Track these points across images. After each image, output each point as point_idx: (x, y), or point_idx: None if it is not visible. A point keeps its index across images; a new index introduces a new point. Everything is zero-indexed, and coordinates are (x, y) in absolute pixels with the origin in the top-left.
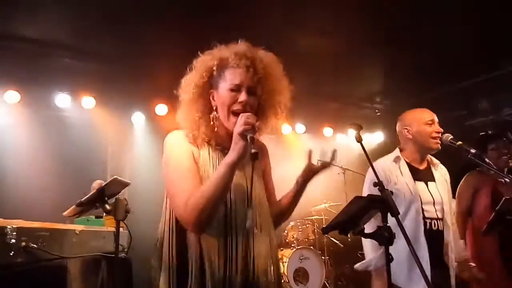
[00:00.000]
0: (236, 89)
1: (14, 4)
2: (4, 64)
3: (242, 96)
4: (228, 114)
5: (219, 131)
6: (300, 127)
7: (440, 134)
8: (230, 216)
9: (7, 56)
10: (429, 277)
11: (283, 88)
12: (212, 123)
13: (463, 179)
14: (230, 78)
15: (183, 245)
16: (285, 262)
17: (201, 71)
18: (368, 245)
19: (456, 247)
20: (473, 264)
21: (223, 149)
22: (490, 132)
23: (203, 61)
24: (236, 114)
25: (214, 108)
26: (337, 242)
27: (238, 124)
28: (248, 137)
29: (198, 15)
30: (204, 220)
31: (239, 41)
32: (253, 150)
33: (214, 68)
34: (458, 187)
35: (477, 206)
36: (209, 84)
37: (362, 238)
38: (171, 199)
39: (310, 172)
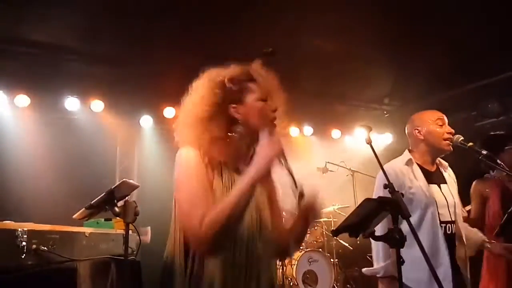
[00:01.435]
0: (266, 99)
1: (24, 9)
2: (14, 68)
3: (273, 105)
4: (265, 124)
5: (237, 147)
6: (308, 129)
7: (452, 135)
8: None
9: (17, 61)
10: (452, 282)
11: (283, 103)
12: (228, 140)
13: (471, 187)
14: (258, 90)
15: (193, 268)
16: (294, 264)
17: (211, 88)
18: (378, 252)
19: (471, 236)
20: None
21: (237, 170)
22: (502, 132)
23: (208, 80)
24: (271, 122)
25: (239, 121)
26: (346, 244)
27: (270, 145)
28: (283, 163)
29: (206, 19)
30: (220, 240)
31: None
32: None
33: (226, 83)
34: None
35: (489, 214)
36: (226, 99)
37: (372, 244)
38: (184, 219)
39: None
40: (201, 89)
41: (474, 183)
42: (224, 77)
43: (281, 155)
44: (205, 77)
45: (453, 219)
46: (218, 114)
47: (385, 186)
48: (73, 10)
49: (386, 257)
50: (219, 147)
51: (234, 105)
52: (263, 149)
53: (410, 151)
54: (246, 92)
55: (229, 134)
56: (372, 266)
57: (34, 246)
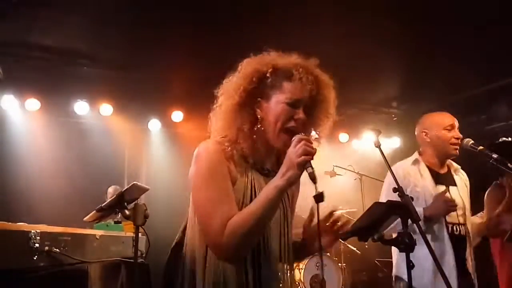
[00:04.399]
0: (295, 104)
1: (35, 14)
2: (24, 73)
3: (300, 113)
4: (280, 130)
5: (259, 146)
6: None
7: (459, 140)
8: (262, 245)
9: (27, 65)
10: (456, 284)
11: (331, 114)
12: (254, 136)
13: (486, 194)
14: (291, 91)
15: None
16: (302, 269)
17: (251, 75)
18: None
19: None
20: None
21: (262, 169)
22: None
23: (253, 65)
24: (288, 131)
25: (259, 119)
26: (354, 249)
27: (296, 151)
28: (308, 171)
29: (214, 24)
30: (243, 247)
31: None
32: (318, 190)
33: (268, 75)
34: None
35: None
36: (257, 91)
37: None
38: (204, 222)
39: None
40: (244, 72)
41: (490, 189)
42: (270, 67)
43: (308, 163)
44: (256, 59)
45: (461, 221)
46: (248, 104)
47: (395, 190)
48: (83, 16)
49: None
50: (244, 141)
51: (259, 99)
52: (288, 158)
53: (420, 153)
54: (276, 90)
55: (254, 129)
56: (380, 271)
57: (46, 247)
